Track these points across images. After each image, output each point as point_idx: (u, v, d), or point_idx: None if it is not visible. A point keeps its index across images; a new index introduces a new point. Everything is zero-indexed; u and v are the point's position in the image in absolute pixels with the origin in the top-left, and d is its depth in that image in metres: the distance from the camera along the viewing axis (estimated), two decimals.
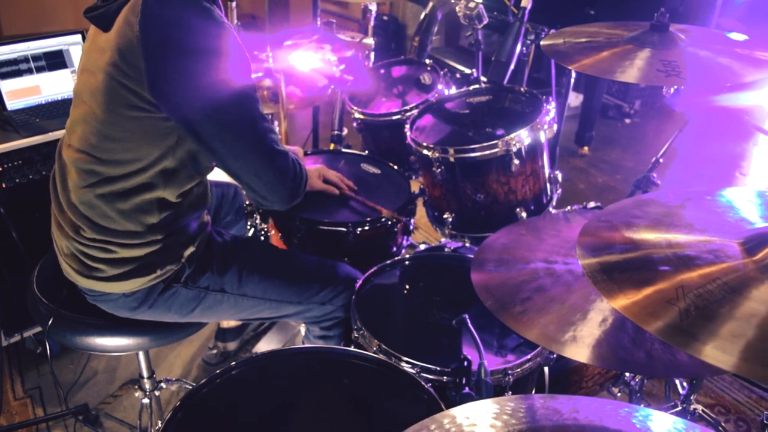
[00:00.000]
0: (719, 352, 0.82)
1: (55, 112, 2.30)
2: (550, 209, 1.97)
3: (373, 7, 2.77)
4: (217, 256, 1.65)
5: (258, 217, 2.09)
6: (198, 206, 1.59)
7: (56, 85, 2.38)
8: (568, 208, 1.96)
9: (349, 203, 2.03)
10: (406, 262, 1.87)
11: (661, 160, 2.21)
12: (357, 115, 2.37)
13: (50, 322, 1.59)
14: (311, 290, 1.73)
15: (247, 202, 2.09)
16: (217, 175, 1.64)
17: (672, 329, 0.86)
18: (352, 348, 1.48)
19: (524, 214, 1.87)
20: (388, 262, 1.83)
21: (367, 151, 2.46)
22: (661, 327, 0.87)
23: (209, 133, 1.37)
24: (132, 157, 1.42)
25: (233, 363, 1.34)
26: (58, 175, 1.54)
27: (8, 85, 2.28)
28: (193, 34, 1.31)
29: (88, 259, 1.52)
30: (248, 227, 2.14)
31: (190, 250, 1.58)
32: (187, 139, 1.42)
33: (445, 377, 1.42)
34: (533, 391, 1.63)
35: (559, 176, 1.99)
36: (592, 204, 2.07)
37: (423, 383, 1.31)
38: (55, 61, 2.37)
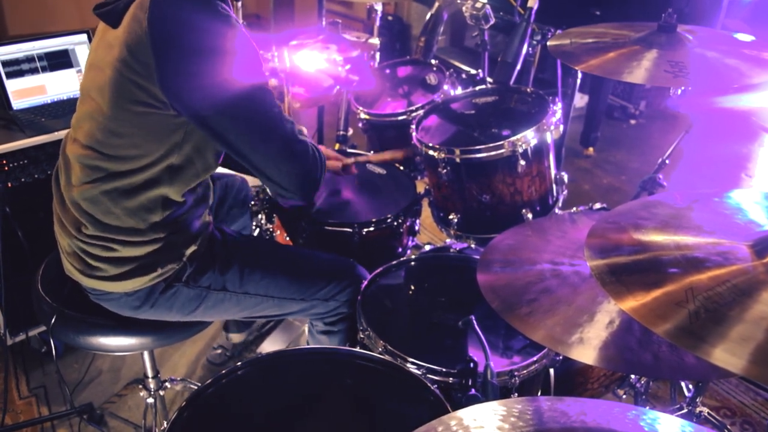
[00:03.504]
0: (728, 355, 0.81)
1: (60, 111, 2.31)
2: (556, 210, 1.96)
3: (379, 7, 2.76)
4: (219, 254, 1.64)
5: (263, 217, 2.09)
6: (200, 205, 1.59)
7: (61, 85, 2.38)
8: (574, 209, 1.96)
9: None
10: (412, 263, 1.87)
11: (667, 162, 2.20)
12: (362, 115, 2.36)
13: (53, 320, 1.59)
14: (315, 287, 1.72)
15: (253, 202, 2.09)
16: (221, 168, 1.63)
17: (681, 332, 0.86)
18: (357, 348, 1.48)
19: (530, 215, 1.86)
20: (394, 262, 1.83)
21: (372, 152, 2.45)
22: (670, 329, 0.87)
23: (223, 127, 1.37)
24: (138, 154, 1.42)
25: (239, 363, 1.34)
26: (62, 172, 1.54)
27: (14, 85, 2.28)
28: (201, 31, 1.31)
29: (89, 258, 1.52)
30: (253, 227, 2.14)
31: (192, 248, 1.58)
32: (195, 135, 1.43)
33: (450, 378, 1.42)
34: (539, 393, 1.63)
35: (565, 177, 1.99)
36: (597, 205, 2.06)
37: (429, 384, 1.30)
38: (61, 60, 2.37)
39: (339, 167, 1.96)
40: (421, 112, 2.13)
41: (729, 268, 0.95)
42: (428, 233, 3.22)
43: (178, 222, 1.53)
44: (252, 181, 2.04)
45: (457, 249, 1.98)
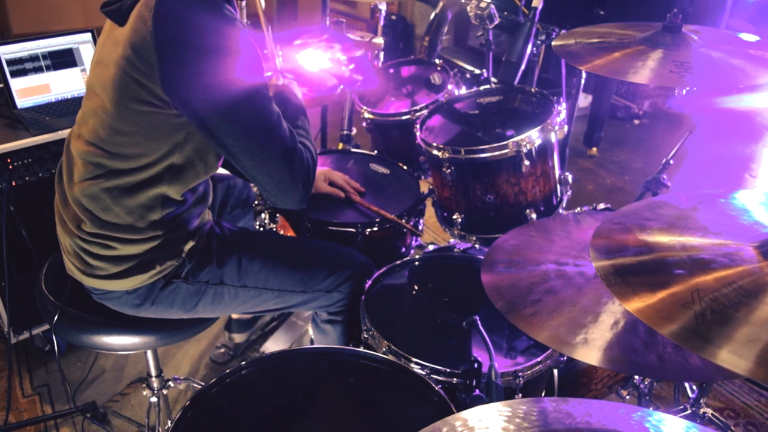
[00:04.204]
0: (735, 357, 0.81)
1: (64, 110, 2.31)
2: (560, 210, 1.96)
3: (383, 7, 2.76)
4: (216, 249, 1.64)
5: (266, 216, 2.09)
6: (200, 204, 1.59)
7: (66, 84, 2.38)
8: (578, 209, 1.95)
9: (354, 207, 2.02)
10: (416, 263, 1.86)
11: (671, 162, 2.20)
12: (366, 115, 2.36)
13: (56, 319, 1.60)
14: (316, 278, 1.71)
15: (256, 202, 2.09)
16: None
17: (687, 333, 0.86)
18: (361, 348, 1.48)
19: (534, 216, 1.86)
20: (398, 262, 1.82)
21: (376, 151, 2.45)
22: (676, 330, 0.86)
23: (221, 130, 1.37)
24: (139, 152, 1.42)
25: (243, 363, 1.34)
26: (65, 168, 1.55)
27: (18, 84, 2.28)
28: (205, 32, 1.31)
29: (89, 257, 1.52)
30: (257, 227, 2.14)
31: (190, 244, 1.58)
32: (196, 136, 1.43)
33: (455, 379, 1.42)
34: (543, 394, 1.63)
35: (570, 177, 1.98)
36: (602, 205, 2.06)
37: (433, 385, 1.30)
38: (65, 59, 2.37)
39: (342, 196, 2.03)
40: (425, 111, 2.13)
41: (735, 269, 0.95)
42: (432, 233, 3.22)
43: (176, 220, 1.54)
44: None
45: (461, 249, 1.98)
